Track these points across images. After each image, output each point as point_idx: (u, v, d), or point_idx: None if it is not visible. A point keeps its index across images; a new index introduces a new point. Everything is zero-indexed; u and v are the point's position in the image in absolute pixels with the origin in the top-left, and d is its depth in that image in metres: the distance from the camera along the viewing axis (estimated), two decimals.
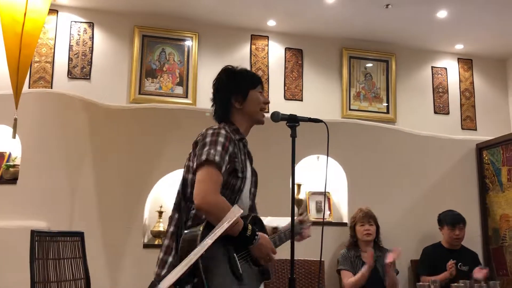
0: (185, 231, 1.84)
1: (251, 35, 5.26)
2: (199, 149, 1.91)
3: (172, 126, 4.00)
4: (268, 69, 5.23)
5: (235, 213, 1.72)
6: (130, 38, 4.96)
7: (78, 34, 4.87)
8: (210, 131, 1.95)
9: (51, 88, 4.63)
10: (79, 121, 3.91)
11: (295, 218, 2.11)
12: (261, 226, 2.06)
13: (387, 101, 5.44)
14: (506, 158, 4.23)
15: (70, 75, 4.79)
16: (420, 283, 3.11)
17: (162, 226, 3.84)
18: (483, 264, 4.15)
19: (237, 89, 2.08)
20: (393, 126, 4.88)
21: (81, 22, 4.90)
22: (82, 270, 2.98)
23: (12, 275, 3.31)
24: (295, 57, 5.34)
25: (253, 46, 5.25)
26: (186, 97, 4.96)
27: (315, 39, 5.38)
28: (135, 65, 4.89)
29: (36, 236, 2.74)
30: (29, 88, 4.52)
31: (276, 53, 5.30)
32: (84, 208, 3.75)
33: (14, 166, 3.83)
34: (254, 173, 2.13)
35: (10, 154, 3.99)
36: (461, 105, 5.67)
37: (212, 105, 2.14)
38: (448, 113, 5.60)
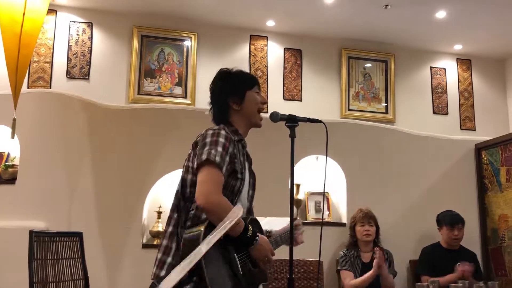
0: (186, 231, 1.84)
1: (250, 35, 5.26)
2: (199, 149, 1.91)
3: (171, 126, 4.00)
4: (267, 69, 5.22)
5: (237, 213, 1.72)
6: (129, 38, 4.96)
7: (77, 34, 4.87)
8: (210, 132, 1.95)
9: (50, 88, 4.63)
10: (78, 121, 3.91)
11: (286, 225, 2.11)
12: (259, 229, 2.06)
13: (386, 101, 5.44)
14: (504, 158, 4.23)
15: (69, 75, 4.78)
16: (419, 283, 3.11)
17: (161, 226, 3.84)
18: (482, 264, 4.16)
19: (234, 91, 2.08)
20: (392, 126, 4.88)
21: (80, 22, 4.90)
22: (80, 270, 2.98)
23: (11, 275, 3.31)
24: (294, 57, 5.34)
25: (252, 46, 5.24)
26: (185, 97, 4.96)
27: (314, 39, 5.38)
28: (134, 65, 4.89)
29: (35, 236, 2.74)
30: (28, 88, 4.52)
31: (275, 53, 5.30)
32: (82, 208, 3.75)
33: (12, 166, 3.83)
34: (252, 175, 2.13)
35: (8, 154, 3.99)
36: (460, 106, 5.68)
37: (210, 109, 2.14)
38: (447, 114, 5.60)
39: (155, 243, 3.84)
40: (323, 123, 2.11)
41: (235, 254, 1.83)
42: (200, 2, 4.74)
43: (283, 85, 5.25)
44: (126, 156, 3.90)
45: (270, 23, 5.13)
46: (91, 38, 4.89)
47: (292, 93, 5.26)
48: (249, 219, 1.99)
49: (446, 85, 5.68)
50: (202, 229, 1.77)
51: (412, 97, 5.55)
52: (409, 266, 4.17)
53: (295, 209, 4.16)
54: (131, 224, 3.79)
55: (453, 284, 2.92)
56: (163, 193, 3.99)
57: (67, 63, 4.80)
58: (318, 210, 4.28)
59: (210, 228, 1.73)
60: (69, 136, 3.87)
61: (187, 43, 5.07)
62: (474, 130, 5.59)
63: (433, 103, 5.59)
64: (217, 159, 1.84)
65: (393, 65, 5.52)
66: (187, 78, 5.01)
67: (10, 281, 3.32)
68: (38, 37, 4.44)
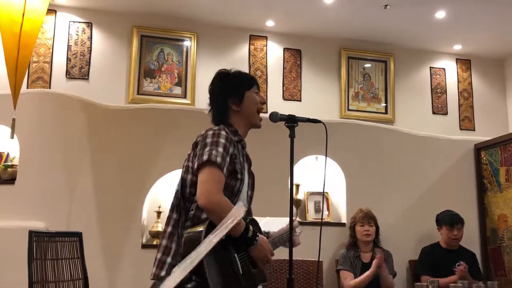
0: (187, 231, 1.84)
1: (250, 35, 5.26)
2: (199, 149, 1.91)
3: (171, 126, 4.00)
4: (266, 69, 5.23)
5: (239, 212, 1.72)
6: (129, 38, 4.96)
7: (77, 34, 4.87)
8: (211, 132, 1.95)
9: (49, 88, 4.63)
10: (77, 121, 3.91)
11: (284, 226, 2.11)
12: (258, 229, 2.06)
13: (386, 102, 5.44)
14: (504, 159, 4.23)
15: (69, 75, 4.78)
16: (419, 283, 3.12)
17: (161, 226, 3.83)
18: (481, 264, 4.16)
19: (233, 92, 2.08)
20: (392, 126, 4.88)
21: (79, 22, 4.90)
22: (80, 270, 2.98)
23: (10, 275, 3.30)
24: (294, 57, 5.34)
25: (252, 47, 5.25)
26: (185, 97, 4.96)
27: (313, 40, 5.38)
28: (133, 65, 4.89)
29: (34, 236, 2.74)
30: (27, 88, 4.52)
31: (274, 53, 5.30)
32: (82, 208, 3.75)
33: (12, 166, 3.82)
34: (251, 176, 2.13)
35: (8, 154, 3.98)
36: (459, 106, 5.68)
37: (210, 110, 2.14)
38: (446, 114, 5.61)
39: (154, 243, 3.84)
40: (323, 123, 2.11)
41: (235, 254, 1.84)
42: (199, 2, 4.74)
43: (283, 85, 5.25)
44: (125, 156, 3.90)
45: (270, 23, 5.13)
46: (90, 38, 4.89)
47: (292, 93, 5.26)
48: (248, 220, 1.99)
49: (446, 85, 5.69)
50: (203, 228, 1.78)
51: (412, 97, 5.55)
52: (408, 266, 4.17)
53: (294, 209, 4.16)
54: (130, 224, 3.79)
55: (453, 284, 2.92)
56: (162, 193, 3.99)
57: (67, 63, 4.80)
58: (317, 210, 4.28)
59: (211, 227, 1.73)
60: (68, 136, 3.87)
61: (186, 43, 5.07)
62: (474, 130, 5.60)
63: (432, 103, 5.60)
64: (218, 159, 1.85)
65: (392, 65, 5.52)
66: (186, 78, 5.01)
67: (10, 281, 3.32)
68: (38, 37, 4.44)
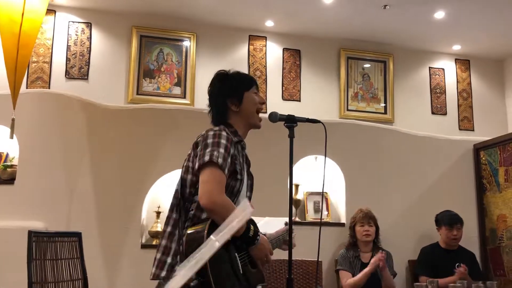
0: (189, 231, 1.84)
1: (249, 35, 5.26)
2: (200, 149, 1.91)
3: (170, 126, 4.00)
4: (266, 69, 5.23)
5: (247, 212, 1.72)
6: (128, 38, 4.96)
7: (76, 34, 4.87)
8: (211, 133, 1.95)
9: (49, 88, 4.63)
10: (77, 121, 3.91)
11: (282, 227, 2.12)
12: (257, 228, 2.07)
13: (385, 102, 5.45)
14: (503, 159, 4.24)
15: (68, 75, 4.78)
16: (418, 283, 3.12)
17: (160, 227, 3.83)
18: (481, 264, 4.16)
19: (232, 92, 2.08)
20: (391, 126, 4.89)
21: (79, 22, 4.90)
22: (79, 271, 2.98)
23: (10, 276, 3.30)
24: (293, 57, 5.35)
25: (251, 47, 5.25)
26: (184, 97, 4.96)
27: (313, 40, 5.38)
28: (133, 65, 4.89)
29: (34, 236, 2.74)
30: (26, 88, 4.52)
31: (274, 53, 5.31)
32: (81, 208, 3.75)
33: (11, 166, 3.82)
34: (250, 177, 2.13)
35: (7, 155, 3.98)
36: (459, 106, 5.68)
37: (209, 111, 2.14)
38: (445, 114, 5.61)
39: (154, 243, 3.84)
40: (322, 123, 2.12)
41: (236, 254, 1.84)
42: (199, 2, 4.74)
43: (282, 85, 5.25)
44: (125, 156, 3.90)
45: (269, 23, 5.13)
46: (90, 38, 4.89)
47: (291, 93, 5.26)
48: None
49: (445, 85, 5.69)
50: (206, 227, 1.77)
51: (411, 98, 5.55)
52: (408, 266, 4.18)
53: (294, 209, 4.17)
54: (130, 224, 3.79)
55: (452, 284, 2.92)
56: (162, 193, 3.99)
57: (66, 63, 4.79)
58: (317, 210, 4.28)
59: (213, 226, 1.73)
60: (68, 136, 3.87)
61: (186, 43, 5.07)
62: (473, 130, 5.60)
63: (431, 104, 5.60)
64: (220, 160, 1.85)
65: (392, 65, 5.52)
66: (186, 78, 5.01)
67: (9, 281, 3.32)
68: (37, 37, 4.43)
